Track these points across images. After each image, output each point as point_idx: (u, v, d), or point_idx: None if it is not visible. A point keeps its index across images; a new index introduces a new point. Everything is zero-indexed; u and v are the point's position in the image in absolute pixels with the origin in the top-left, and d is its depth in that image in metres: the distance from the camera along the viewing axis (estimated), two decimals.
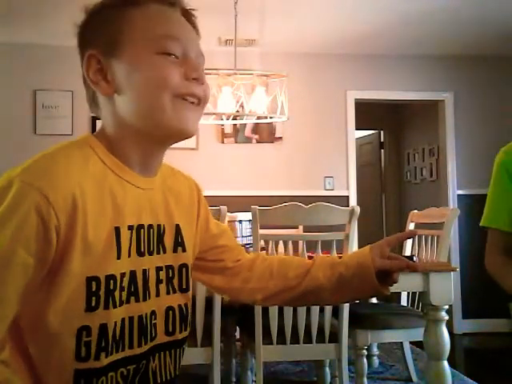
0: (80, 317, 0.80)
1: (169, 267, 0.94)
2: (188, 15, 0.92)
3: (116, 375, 0.84)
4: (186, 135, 0.89)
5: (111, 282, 0.82)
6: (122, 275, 0.84)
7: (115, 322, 0.83)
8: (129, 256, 0.86)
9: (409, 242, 3.24)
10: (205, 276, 1.12)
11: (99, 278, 0.81)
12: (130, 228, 0.86)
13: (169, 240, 0.95)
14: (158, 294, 0.92)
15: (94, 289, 0.80)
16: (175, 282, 0.95)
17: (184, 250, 0.97)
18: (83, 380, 0.81)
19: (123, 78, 0.86)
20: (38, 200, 0.75)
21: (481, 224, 1.46)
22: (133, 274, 0.87)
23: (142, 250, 0.89)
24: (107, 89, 0.86)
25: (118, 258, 0.84)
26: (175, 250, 0.96)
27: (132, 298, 0.86)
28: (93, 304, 0.80)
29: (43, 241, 0.76)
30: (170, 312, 0.94)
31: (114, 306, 0.83)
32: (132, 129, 0.87)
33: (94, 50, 0.86)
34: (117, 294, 0.83)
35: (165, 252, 0.94)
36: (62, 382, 0.81)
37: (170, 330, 0.94)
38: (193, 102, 0.88)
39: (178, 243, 0.96)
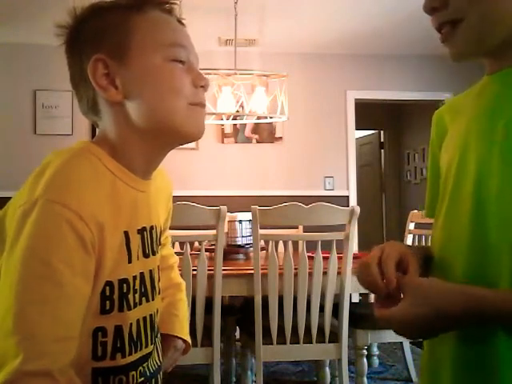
0: (95, 318, 0.82)
1: (158, 266, 0.98)
2: (181, 23, 0.93)
3: (136, 374, 0.88)
4: (196, 138, 0.91)
5: (124, 285, 0.84)
6: (134, 278, 0.87)
7: (130, 324, 0.86)
8: (138, 259, 0.88)
9: (409, 242, 3.24)
10: None
11: (112, 283, 0.83)
12: (138, 232, 0.89)
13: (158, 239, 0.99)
14: (159, 292, 0.97)
15: (108, 293, 0.82)
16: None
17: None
18: (101, 378, 0.84)
19: (134, 83, 0.85)
20: (70, 217, 0.74)
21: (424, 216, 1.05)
22: (142, 275, 0.89)
23: (147, 251, 0.91)
24: (116, 94, 0.84)
25: (130, 261, 0.86)
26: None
27: (143, 299, 0.90)
28: (107, 308, 0.82)
29: (83, 254, 0.76)
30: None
31: (129, 309, 0.85)
32: (140, 133, 0.87)
33: (101, 53, 0.83)
34: (130, 296, 0.86)
35: (158, 251, 0.97)
36: (81, 379, 0.83)
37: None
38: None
39: (158, 243, 1.00)
